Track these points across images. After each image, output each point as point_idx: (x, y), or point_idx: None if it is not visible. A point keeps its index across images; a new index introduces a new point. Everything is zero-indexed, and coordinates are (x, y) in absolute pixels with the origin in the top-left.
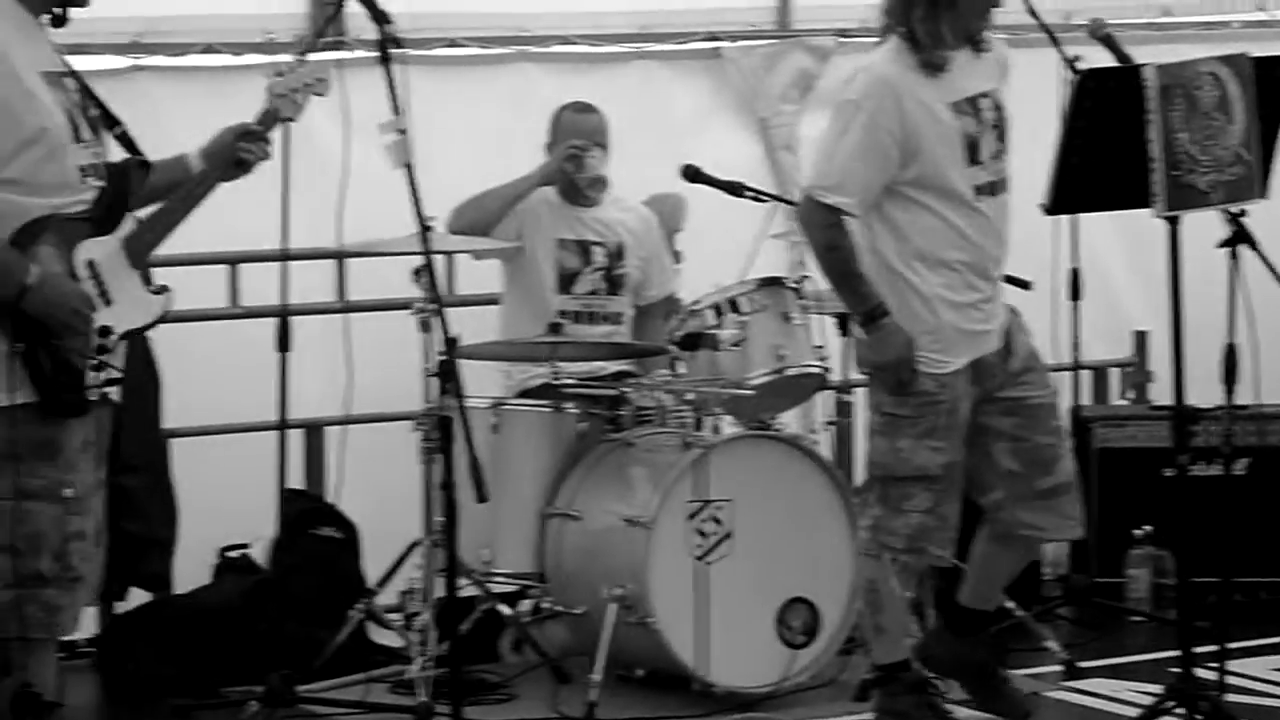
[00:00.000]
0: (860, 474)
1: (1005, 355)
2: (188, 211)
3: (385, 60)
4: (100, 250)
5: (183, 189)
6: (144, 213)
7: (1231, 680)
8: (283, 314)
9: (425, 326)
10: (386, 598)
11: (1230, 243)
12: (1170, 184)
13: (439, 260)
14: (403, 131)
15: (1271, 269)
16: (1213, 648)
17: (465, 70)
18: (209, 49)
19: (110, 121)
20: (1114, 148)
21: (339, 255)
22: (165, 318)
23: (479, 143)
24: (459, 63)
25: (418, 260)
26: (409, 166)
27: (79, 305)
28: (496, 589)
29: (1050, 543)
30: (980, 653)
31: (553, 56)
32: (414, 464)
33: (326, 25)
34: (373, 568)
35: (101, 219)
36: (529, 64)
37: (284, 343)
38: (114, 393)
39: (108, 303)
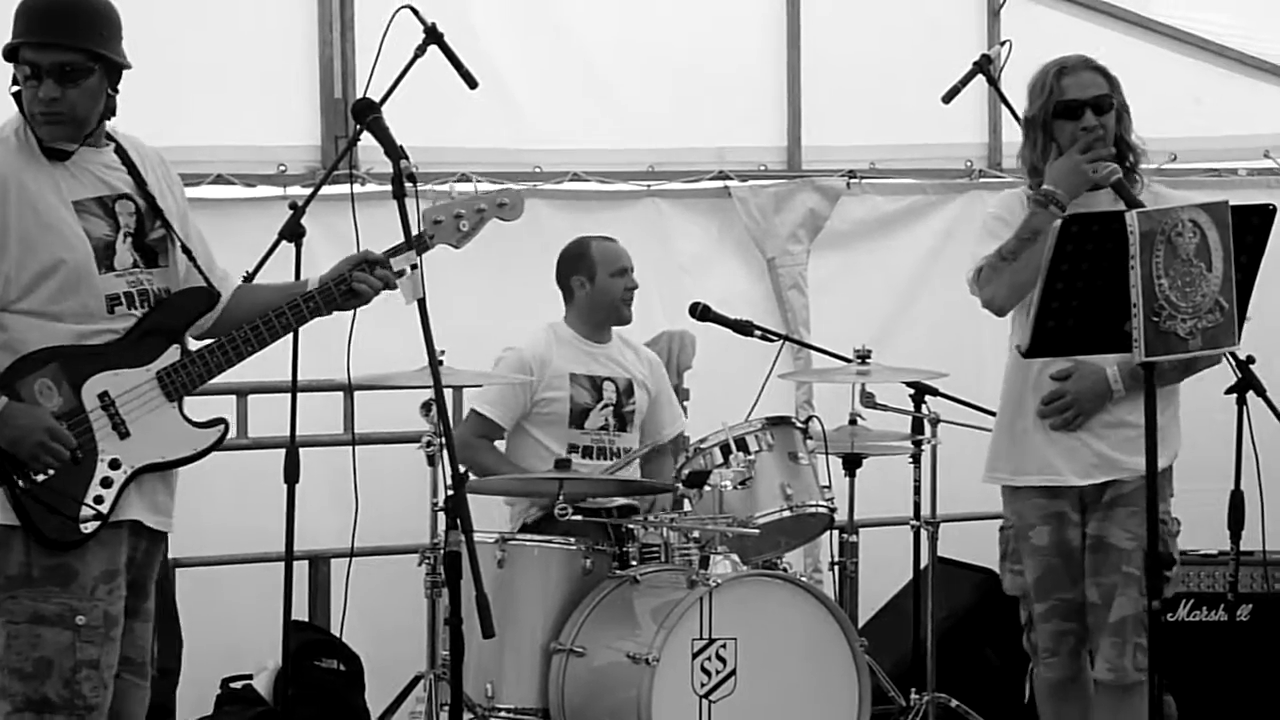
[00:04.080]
0: (864, 614)
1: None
2: (259, 345)
3: (399, 194)
4: (121, 382)
5: (269, 316)
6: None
7: None
8: (291, 445)
9: (432, 460)
10: None
11: (1238, 388)
12: (1150, 330)
13: (447, 394)
14: (414, 266)
15: (1277, 415)
16: None
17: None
18: (220, 179)
19: (186, 251)
20: (1095, 292)
21: (348, 388)
22: (208, 452)
23: (488, 277)
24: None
25: (426, 394)
26: (421, 301)
27: (44, 440)
28: None
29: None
30: None
31: (563, 193)
32: (419, 597)
33: (340, 158)
34: (375, 701)
35: (129, 350)
36: (539, 200)
37: (291, 474)
38: (157, 521)
39: (122, 435)
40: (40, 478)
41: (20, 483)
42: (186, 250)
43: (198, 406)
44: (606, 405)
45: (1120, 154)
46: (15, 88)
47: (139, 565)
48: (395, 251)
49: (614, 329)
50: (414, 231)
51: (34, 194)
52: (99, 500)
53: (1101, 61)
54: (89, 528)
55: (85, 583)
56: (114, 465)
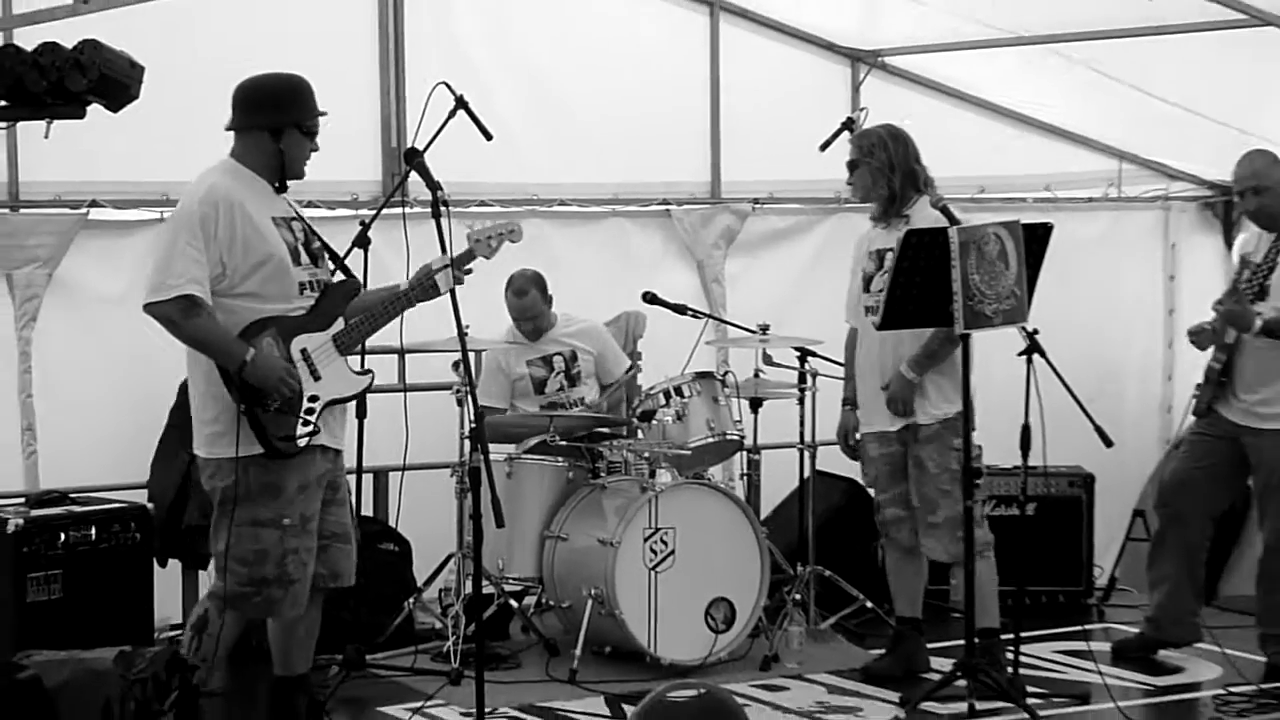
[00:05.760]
0: (765, 511)
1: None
2: (386, 320)
3: (436, 215)
4: (313, 342)
5: (384, 304)
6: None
7: (1024, 658)
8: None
9: (460, 403)
10: (430, 594)
11: (1027, 352)
12: (966, 310)
13: (471, 355)
14: (448, 265)
15: (1056, 371)
16: (1011, 635)
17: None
18: (310, 204)
19: (333, 255)
20: (928, 282)
21: (400, 351)
22: (365, 392)
23: (502, 274)
24: (488, 217)
25: (456, 355)
26: (452, 291)
27: (284, 376)
28: (508, 588)
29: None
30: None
31: (554, 213)
32: (451, 499)
33: (395, 189)
34: (420, 573)
35: (316, 319)
36: (537, 218)
37: (361, 412)
38: (334, 443)
39: (316, 379)
40: (274, 406)
41: (261, 410)
42: (335, 256)
43: None
44: (558, 373)
45: (901, 182)
46: (276, 144)
47: (332, 472)
48: (458, 260)
49: (559, 313)
50: (446, 242)
51: (250, 211)
52: (307, 423)
53: (872, 129)
54: (303, 441)
55: (289, 495)
56: (313, 399)
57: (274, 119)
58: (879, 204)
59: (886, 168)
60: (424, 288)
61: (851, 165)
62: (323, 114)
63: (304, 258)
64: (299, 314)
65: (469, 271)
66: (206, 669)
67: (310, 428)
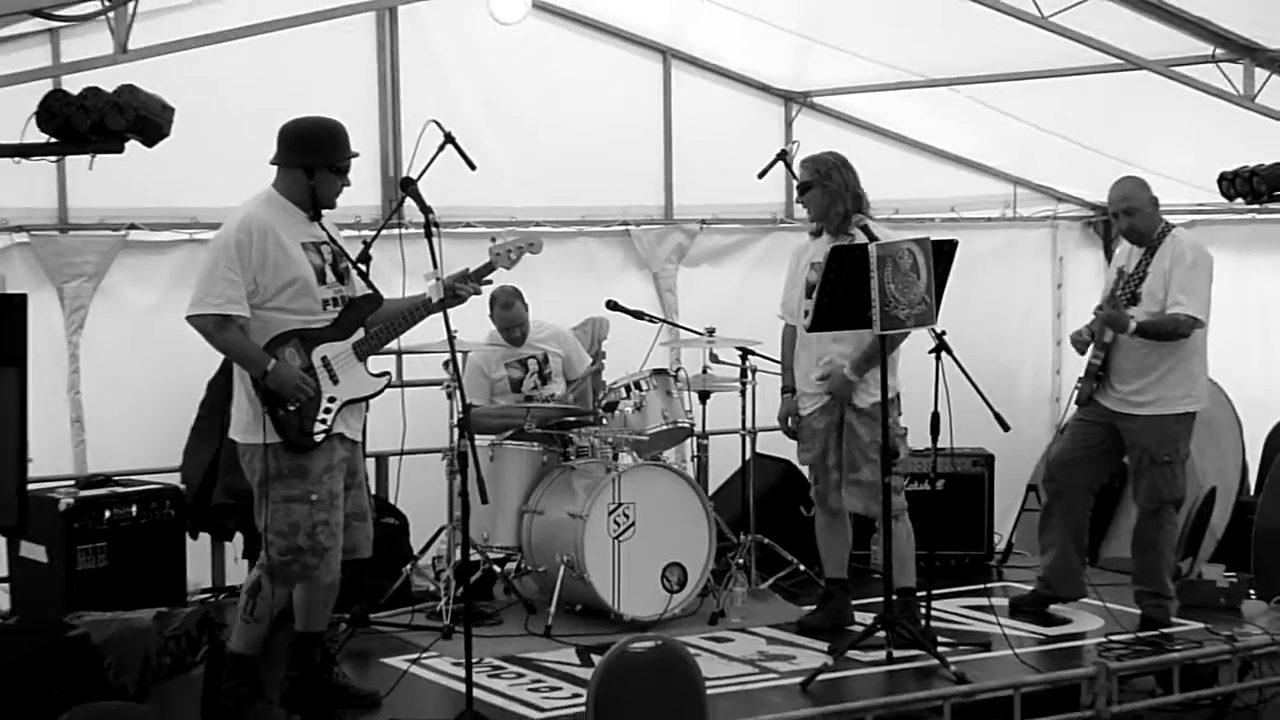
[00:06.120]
0: (713, 487)
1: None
2: (403, 329)
3: (428, 235)
4: (334, 350)
5: (402, 314)
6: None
7: (934, 612)
8: None
9: (450, 397)
10: (424, 561)
11: (936, 350)
12: (883, 314)
13: (459, 356)
14: (438, 278)
15: (961, 367)
16: (923, 593)
17: (476, 241)
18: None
19: (361, 273)
20: (851, 291)
21: (399, 352)
22: (382, 391)
23: (486, 289)
24: (472, 236)
25: (446, 355)
26: (443, 301)
27: (299, 384)
28: (492, 556)
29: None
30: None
31: (529, 234)
32: (442, 479)
33: (393, 212)
34: (416, 543)
35: (337, 331)
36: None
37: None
38: (353, 434)
39: (335, 382)
40: (292, 408)
41: (281, 410)
42: (364, 275)
43: None
44: (533, 374)
45: (852, 202)
46: (309, 180)
47: (351, 459)
48: (480, 271)
49: (532, 320)
50: (437, 258)
51: (282, 237)
52: (324, 421)
53: (824, 156)
54: (319, 438)
55: (315, 474)
56: (331, 400)
57: (309, 159)
58: (833, 221)
59: (841, 188)
60: (436, 302)
61: (804, 187)
62: (355, 155)
63: (330, 277)
64: (322, 325)
65: (488, 282)
66: (259, 625)
67: (325, 425)
